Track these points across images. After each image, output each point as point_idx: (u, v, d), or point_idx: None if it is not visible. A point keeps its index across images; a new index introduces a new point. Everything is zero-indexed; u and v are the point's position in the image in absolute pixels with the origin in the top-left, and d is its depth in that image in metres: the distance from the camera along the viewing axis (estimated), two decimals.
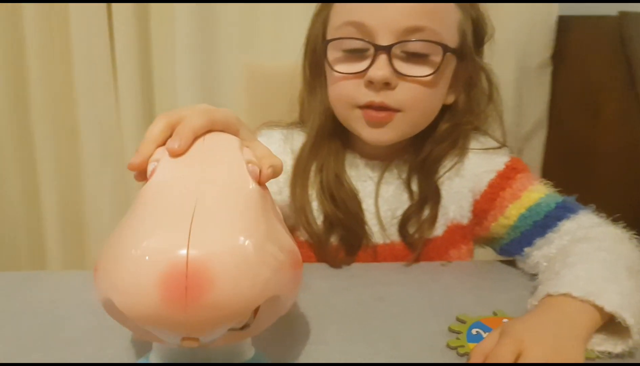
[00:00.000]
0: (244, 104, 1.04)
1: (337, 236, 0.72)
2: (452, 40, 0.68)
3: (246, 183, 0.41)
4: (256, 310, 0.38)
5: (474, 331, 0.56)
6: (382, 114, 0.66)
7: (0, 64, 1.16)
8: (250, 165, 0.43)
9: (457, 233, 0.74)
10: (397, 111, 0.66)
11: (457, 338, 0.55)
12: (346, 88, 0.68)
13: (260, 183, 0.43)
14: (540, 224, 0.68)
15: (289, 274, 0.40)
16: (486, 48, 1.19)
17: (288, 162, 0.73)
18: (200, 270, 0.34)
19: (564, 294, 0.53)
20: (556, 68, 1.23)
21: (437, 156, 0.72)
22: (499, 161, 0.72)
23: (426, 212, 0.72)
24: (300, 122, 0.78)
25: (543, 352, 0.47)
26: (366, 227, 0.73)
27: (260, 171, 0.43)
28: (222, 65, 1.17)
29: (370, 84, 0.65)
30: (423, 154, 0.72)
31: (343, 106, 0.69)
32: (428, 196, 0.72)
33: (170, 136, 0.42)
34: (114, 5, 1.13)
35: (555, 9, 1.18)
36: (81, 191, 1.25)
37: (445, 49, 0.65)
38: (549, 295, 0.55)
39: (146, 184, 0.40)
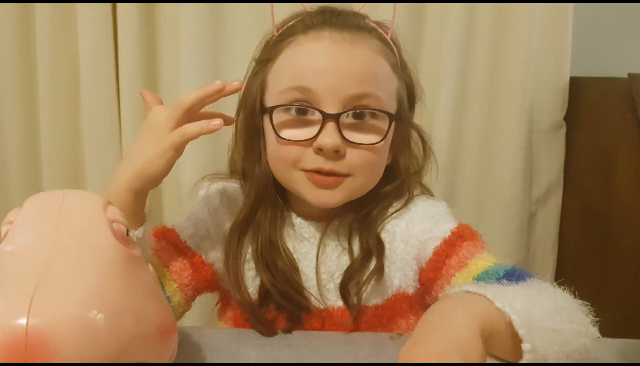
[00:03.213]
0: None
1: (275, 304, 0.69)
2: (392, 106, 0.68)
3: (106, 246, 0.40)
4: None
5: None
6: (329, 179, 0.65)
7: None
8: (115, 224, 0.42)
9: (403, 302, 0.72)
10: (346, 175, 0.66)
11: None
12: (292, 152, 0.65)
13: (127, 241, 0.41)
14: None
15: (152, 344, 0.40)
16: (496, 110, 1.20)
17: (225, 218, 0.71)
18: (40, 339, 0.33)
19: (464, 292, 0.54)
20: (570, 129, 1.20)
21: (379, 212, 0.71)
22: (445, 227, 0.68)
23: (371, 265, 0.69)
24: (236, 174, 0.76)
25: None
26: (305, 292, 0.70)
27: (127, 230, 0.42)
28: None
29: (319, 150, 0.64)
30: (364, 211, 0.71)
31: (285, 168, 0.67)
32: (372, 249, 0.70)
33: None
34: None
35: (567, 70, 1.17)
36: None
37: (391, 117, 0.66)
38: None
39: None
